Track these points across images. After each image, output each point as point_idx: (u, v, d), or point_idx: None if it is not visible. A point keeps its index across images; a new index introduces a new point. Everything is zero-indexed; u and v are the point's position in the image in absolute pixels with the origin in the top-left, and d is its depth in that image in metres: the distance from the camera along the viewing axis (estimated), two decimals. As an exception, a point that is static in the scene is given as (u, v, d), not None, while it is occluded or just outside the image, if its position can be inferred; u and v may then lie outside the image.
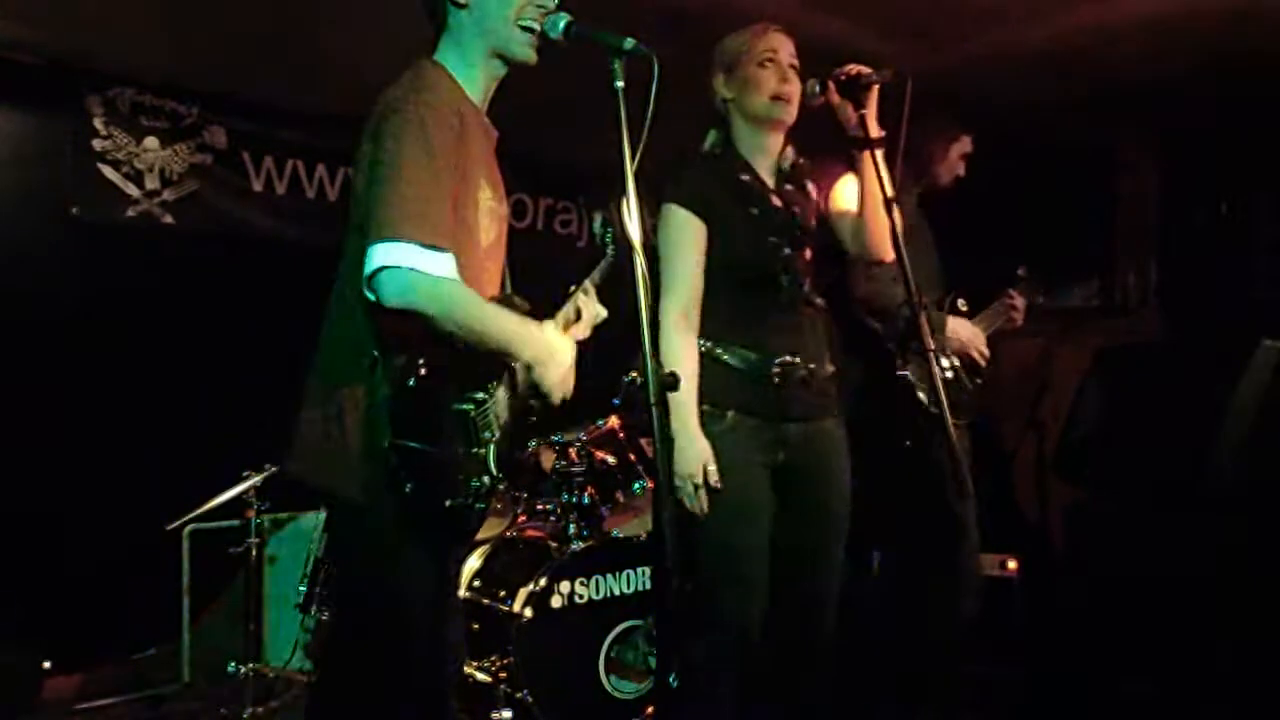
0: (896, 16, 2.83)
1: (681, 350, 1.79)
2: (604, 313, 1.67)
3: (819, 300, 1.94)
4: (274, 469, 2.68)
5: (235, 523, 2.80)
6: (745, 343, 1.84)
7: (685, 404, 1.74)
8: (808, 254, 1.91)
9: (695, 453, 1.74)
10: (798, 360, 1.85)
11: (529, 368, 1.45)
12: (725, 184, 1.89)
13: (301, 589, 2.76)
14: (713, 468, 1.75)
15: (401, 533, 1.42)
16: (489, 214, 1.53)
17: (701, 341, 1.85)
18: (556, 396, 1.47)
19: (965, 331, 2.48)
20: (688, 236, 1.84)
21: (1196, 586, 2.79)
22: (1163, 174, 3.82)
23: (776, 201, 1.91)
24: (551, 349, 1.47)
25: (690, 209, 1.84)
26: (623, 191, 1.32)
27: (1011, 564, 3.16)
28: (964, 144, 2.59)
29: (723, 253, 1.85)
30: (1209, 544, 2.85)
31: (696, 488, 1.73)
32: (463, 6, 1.50)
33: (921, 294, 1.79)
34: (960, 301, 2.49)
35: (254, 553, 2.76)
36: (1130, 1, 2.76)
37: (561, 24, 1.45)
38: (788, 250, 1.87)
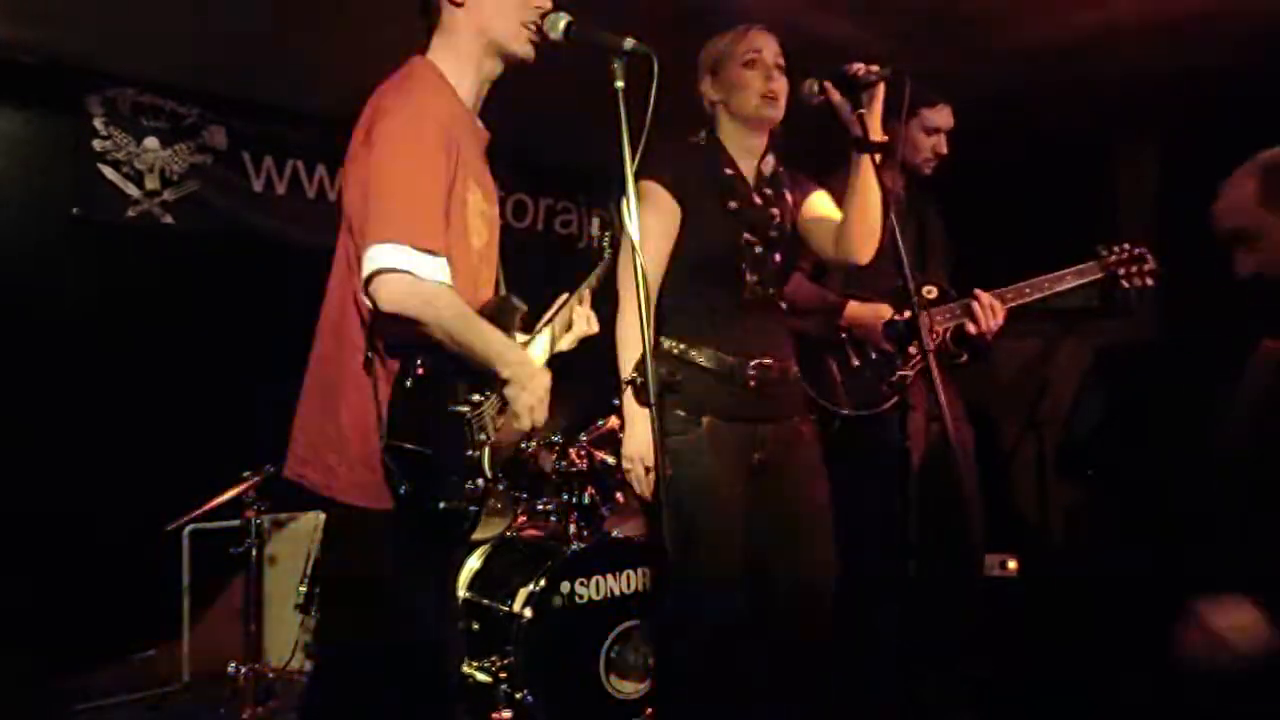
0: (897, 14, 2.83)
1: (630, 327, 1.77)
2: (595, 328, 1.67)
3: (781, 302, 1.93)
4: (273, 469, 2.68)
5: (235, 523, 2.80)
6: (718, 343, 1.83)
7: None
8: (778, 257, 1.91)
9: (643, 434, 1.72)
10: (771, 362, 1.85)
11: (506, 385, 1.45)
12: (709, 174, 1.88)
13: (301, 589, 2.76)
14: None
15: (396, 534, 1.42)
16: (480, 216, 1.53)
17: (673, 343, 1.84)
18: (525, 422, 1.46)
19: (867, 317, 2.31)
20: (661, 215, 1.83)
21: (1195, 587, 2.78)
22: (1162, 172, 3.82)
23: (757, 200, 1.91)
24: (532, 374, 1.46)
25: (669, 190, 1.83)
26: (623, 191, 1.32)
27: (1011, 564, 3.17)
28: (926, 119, 2.39)
29: (695, 242, 1.84)
30: (1208, 544, 2.84)
31: (648, 470, 1.74)
32: (459, 5, 1.49)
33: (918, 289, 1.77)
34: (927, 289, 2.36)
35: (254, 553, 2.76)
36: (1126, 2, 2.75)
37: (561, 24, 1.45)
38: (760, 249, 1.87)
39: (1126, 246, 2.30)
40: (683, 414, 1.79)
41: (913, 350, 2.27)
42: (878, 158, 1.73)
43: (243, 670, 2.70)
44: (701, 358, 1.82)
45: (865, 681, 2.26)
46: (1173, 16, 2.82)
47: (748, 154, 1.92)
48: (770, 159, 1.95)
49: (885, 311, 2.32)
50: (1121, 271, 2.29)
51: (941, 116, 2.43)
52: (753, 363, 1.83)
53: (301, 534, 3.12)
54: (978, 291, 2.28)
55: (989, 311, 2.25)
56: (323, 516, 2.56)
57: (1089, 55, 3.09)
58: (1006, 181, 3.73)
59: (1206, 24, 2.86)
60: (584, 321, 1.68)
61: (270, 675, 2.85)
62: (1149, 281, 2.29)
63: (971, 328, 2.26)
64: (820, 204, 1.97)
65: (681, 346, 1.83)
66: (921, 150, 2.43)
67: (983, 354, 2.39)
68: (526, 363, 1.47)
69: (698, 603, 1.75)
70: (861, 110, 1.74)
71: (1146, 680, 2.69)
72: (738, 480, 1.83)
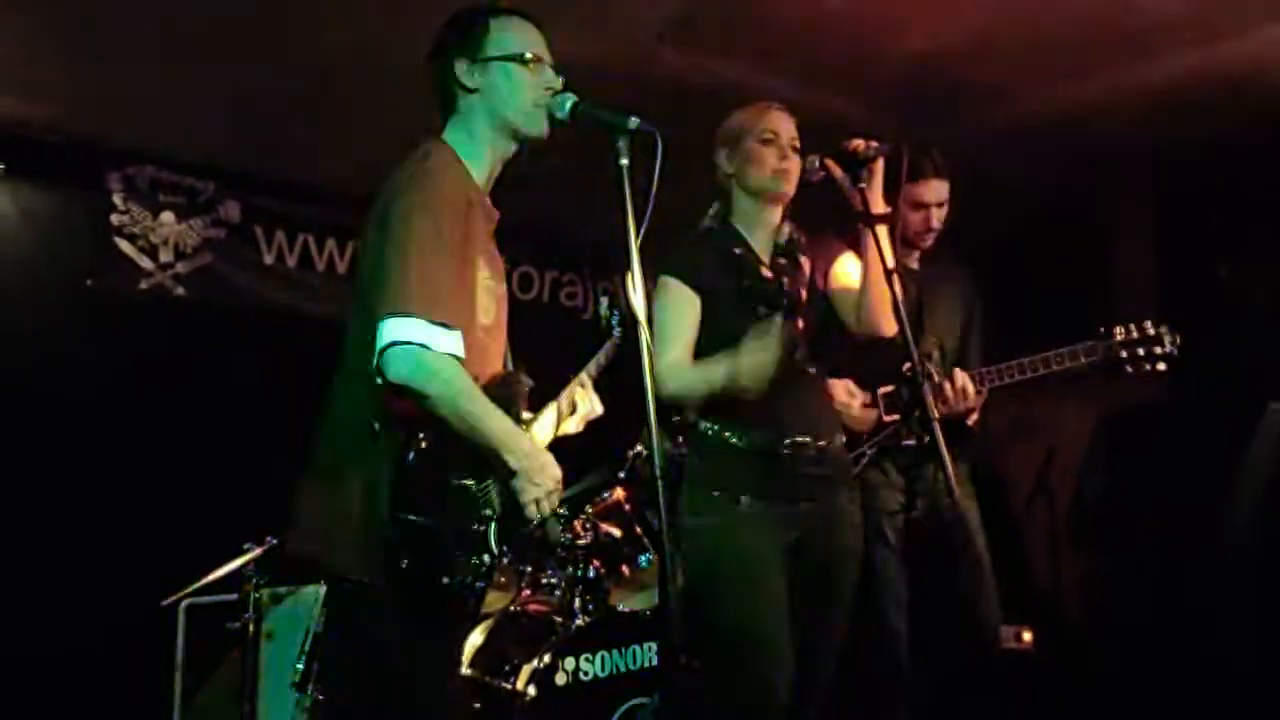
0: (893, 92, 2.92)
1: (688, 375, 1.81)
2: (599, 410, 1.67)
3: (812, 369, 1.93)
4: (274, 542, 2.65)
5: (233, 597, 2.75)
6: (752, 420, 1.82)
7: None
8: (800, 324, 1.93)
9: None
10: (808, 439, 1.85)
11: (512, 475, 1.42)
12: (719, 258, 1.93)
13: (299, 666, 2.69)
14: None
15: (399, 610, 1.39)
16: (488, 293, 1.56)
17: (706, 424, 1.84)
18: (531, 513, 1.43)
19: (839, 394, 2.23)
20: (682, 305, 1.88)
21: (1213, 650, 2.71)
22: (1160, 237, 3.87)
23: (767, 273, 1.95)
24: (541, 464, 1.43)
25: (684, 280, 1.89)
26: (627, 266, 1.35)
27: (1027, 635, 3.09)
28: (908, 193, 2.26)
29: (716, 326, 1.87)
30: (1226, 612, 2.78)
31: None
32: (473, 91, 1.55)
33: (925, 364, 1.78)
34: (906, 366, 2.14)
35: (251, 628, 2.70)
36: (1123, 73, 2.84)
37: (568, 104, 1.50)
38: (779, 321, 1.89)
39: (1145, 326, 2.13)
40: (719, 494, 1.77)
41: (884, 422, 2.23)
42: (882, 230, 1.77)
43: (237, 751, 2.61)
44: (735, 438, 1.82)
45: None
46: (1168, 88, 2.90)
47: (761, 227, 1.97)
48: (785, 228, 1.99)
49: (854, 388, 2.26)
50: (1125, 354, 2.13)
51: (925, 191, 2.30)
52: (787, 440, 1.83)
53: (300, 609, 3.07)
54: (956, 370, 2.21)
55: (959, 394, 2.16)
56: (323, 590, 2.52)
57: (1084, 126, 3.17)
58: (1005, 251, 3.77)
59: (1203, 95, 2.93)
60: (587, 404, 1.68)
61: (264, 757, 2.76)
62: (1159, 367, 2.10)
63: (941, 407, 2.13)
64: (843, 274, 2.00)
65: (715, 428, 1.84)
66: (911, 224, 2.32)
67: (963, 437, 2.22)
68: (534, 453, 1.44)
69: (744, 683, 1.71)
70: (862, 185, 1.78)
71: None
72: (778, 559, 1.80)
